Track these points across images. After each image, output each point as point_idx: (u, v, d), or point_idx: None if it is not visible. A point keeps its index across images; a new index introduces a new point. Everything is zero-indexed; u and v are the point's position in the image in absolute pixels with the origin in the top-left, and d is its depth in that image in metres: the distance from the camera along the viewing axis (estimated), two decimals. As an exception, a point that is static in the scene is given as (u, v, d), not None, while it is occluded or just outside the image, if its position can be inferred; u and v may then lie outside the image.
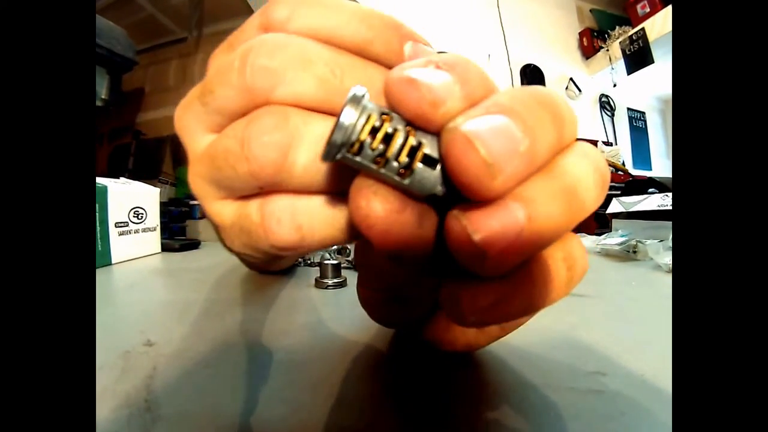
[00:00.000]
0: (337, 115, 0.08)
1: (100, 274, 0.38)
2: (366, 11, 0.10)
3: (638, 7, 1.93)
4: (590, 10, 2.28)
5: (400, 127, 0.09)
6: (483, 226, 0.08)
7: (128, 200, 0.46)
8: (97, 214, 0.42)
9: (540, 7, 2.14)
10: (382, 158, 0.09)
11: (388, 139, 0.08)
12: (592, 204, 0.10)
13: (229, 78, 0.10)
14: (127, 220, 0.46)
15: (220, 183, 0.11)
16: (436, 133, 0.09)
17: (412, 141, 0.09)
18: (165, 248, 0.53)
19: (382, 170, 0.09)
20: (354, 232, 0.10)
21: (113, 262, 0.43)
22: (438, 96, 0.08)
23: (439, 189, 0.09)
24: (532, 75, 2.01)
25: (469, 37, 1.89)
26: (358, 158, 0.09)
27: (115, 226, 0.44)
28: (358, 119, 0.08)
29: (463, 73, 0.09)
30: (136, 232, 0.47)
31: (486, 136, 0.08)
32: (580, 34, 2.24)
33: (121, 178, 0.51)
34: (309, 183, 0.10)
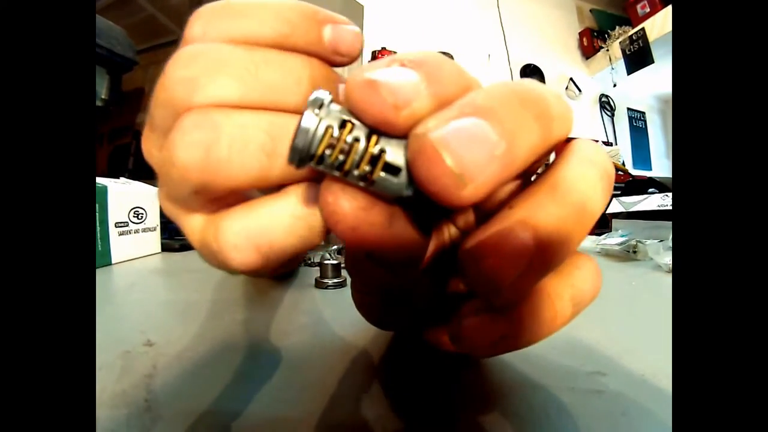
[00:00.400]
0: (298, 115, 0.08)
1: (100, 274, 0.38)
2: (280, 6, 0.10)
3: (638, 7, 1.93)
4: (590, 10, 2.28)
5: (362, 134, 0.08)
6: (494, 258, 0.08)
7: (128, 200, 0.46)
8: (97, 214, 0.42)
9: (540, 7, 2.14)
10: (343, 167, 0.08)
11: (349, 147, 0.08)
12: (599, 212, 0.10)
13: (157, 97, 0.10)
14: (127, 220, 0.46)
15: (170, 196, 0.11)
16: (404, 136, 0.08)
17: (372, 150, 0.08)
18: (165, 248, 0.52)
19: (346, 177, 0.09)
20: (316, 239, 0.10)
21: (113, 262, 0.43)
22: (401, 98, 0.08)
23: (405, 193, 0.09)
24: (532, 75, 2.01)
25: (469, 37, 1.89)
26: (320, 167, 0.08)
27: (115, 226, 0.44)
28: (316, 128, 0.08)
29: (433, 70, 0.08)
30: (136, 232, 0.47)
31: (455, 142, 0.07)
32: (580, 34, 2.24)
33: (121, 178, 0.51)
34: (239, 178, 0.09)
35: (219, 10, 0.10)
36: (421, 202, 0.09)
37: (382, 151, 0.08)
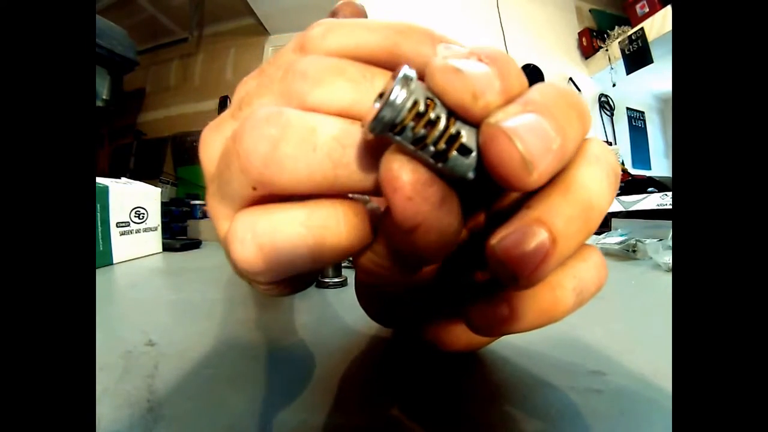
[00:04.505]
0: (384, 94, 0.09)
1: (102, 274, 0.38)
2: (396, 21, 0.11)
3: (637, 7, 1.93)
4: (589, 10, 2.28)
5: (443, 114, 0.09)
6: (517, 254, 0.09)
7: (129, 200, 0.46)
8: (98, 214, 0.42)
9: (539, 8, 2.14)
10: (421, 141, 0.09)
11: (430, 124, 0.09)
12: (606, 209, 0.10)
13: (271, 87, 0.11)
14: (129, 220, 0.46)
15: (222, 192, 0.11)
16: (473, 123, 0.09)
17: (452, 130, 0.09)
18: (166, 248, 0.53)
19: (419, 152, 0.09)
20: (325, 257, 0.10)
21: (115, 261, 0.43)
22: (479, 88, 0.09)
23: (470, 175, 0.09)
24: (531, 75, 2.01)
25: (469, 38, 1.89)
26: (398, 137, 0.09)
27: (117, 226, 0.44)
28: (406, 101, 0.08)
29: (503, 68, 0.09)
30: (138, 231, 0.47)
31: (524, 134, 0.08)
32: (579, 34, 2.23)
33: (123, 178, 0.51)
34: (298, 181, 0.10)
35: (338, 22, 0.11)
36: (477, 185, 0.09)
37: (459, 132, 0.09)
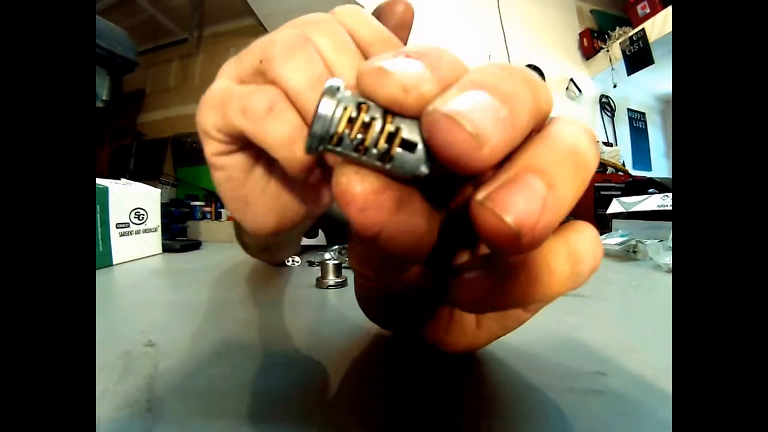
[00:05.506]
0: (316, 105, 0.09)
1: (102, 275, 0.38)
2: (384, 30, 0.14)
3: (638, 7, 1.93)
4: (590, 11, 2.28)
5: (378, 114, 0.09)
6: (511, 205, 0.08)
7: (129, 201, 0.46)
8: (98, 215, 0.42)
9: (540, 8, 2.14)
10: (362, 146, 0.09)
11: (366, 127, 0.09)
12: (593, 160, 0.10)
13: (260, 56, 0.13)
14: (128, 221, 0.46)
15: (239, 59, 0.14)
16: (415, 117, 0.09)
17: (389, 128, 0.09)
18: (166, 249, 0.53)
19: (363, 158, 0.09)
20: (295, 170, 0.12)
21: (114, 262, 0.43)
22: (408, 82, 0.09)
23: (422, 170, 0.09)
24: (532, 75, 2.01)
25: (469, 37, 1.90)
26: (338, 149, 0.09)
27: (116, 227, 0.44)
28: (335, 110, 0.09)
29: (434, 59, 0.09)
30: (137, 232, 0.47)
31: (466, 110, 0.08)
32: (580, 34, 2.24)
33: (122, 179, 0.51)
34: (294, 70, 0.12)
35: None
36: (433, 182, 0.09)
37: (398, 128, 0.09)
